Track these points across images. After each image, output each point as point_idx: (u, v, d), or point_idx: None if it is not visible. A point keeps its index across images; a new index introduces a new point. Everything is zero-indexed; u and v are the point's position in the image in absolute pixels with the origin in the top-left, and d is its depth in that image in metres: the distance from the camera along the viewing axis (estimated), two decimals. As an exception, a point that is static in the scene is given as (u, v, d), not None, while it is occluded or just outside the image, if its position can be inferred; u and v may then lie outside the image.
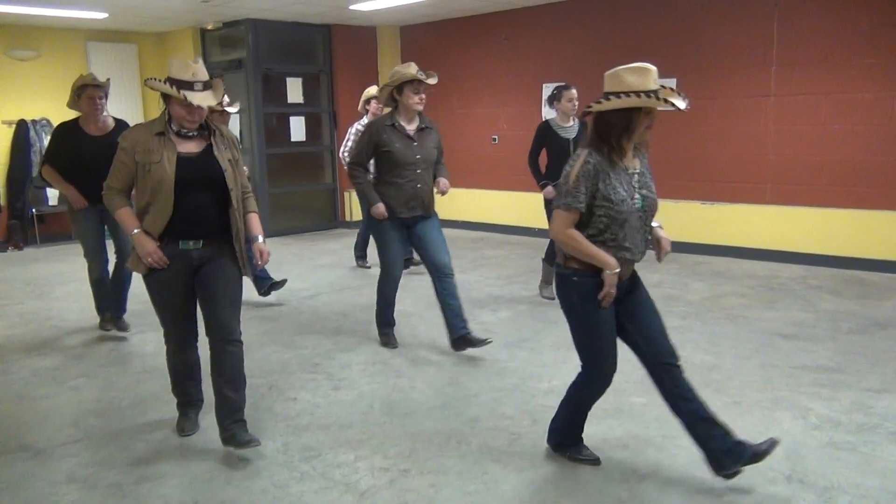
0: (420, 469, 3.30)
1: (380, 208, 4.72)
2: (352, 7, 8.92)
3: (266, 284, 6.25)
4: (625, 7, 8.48)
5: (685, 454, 3.38)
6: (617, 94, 2.88)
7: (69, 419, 3.97)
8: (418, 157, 4.75)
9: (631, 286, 3.13)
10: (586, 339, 3.16)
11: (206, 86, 3.34)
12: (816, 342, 4.96)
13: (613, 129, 2.92)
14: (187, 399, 3.79)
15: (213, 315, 3.46)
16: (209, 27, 10.21)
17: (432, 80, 4.71)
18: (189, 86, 3.28)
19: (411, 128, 4.77)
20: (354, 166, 4.82)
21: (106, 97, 5.13)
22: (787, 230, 7.55)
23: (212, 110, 5.59)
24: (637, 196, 2.98)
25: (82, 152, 5.03)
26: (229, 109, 5.52)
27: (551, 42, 9.14)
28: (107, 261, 5.42)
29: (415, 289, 6.81)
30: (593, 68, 8.84)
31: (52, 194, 9.77)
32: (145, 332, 5.36)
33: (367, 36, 10.75)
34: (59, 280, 7.47)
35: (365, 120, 7.17)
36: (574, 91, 6.01)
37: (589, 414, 3.86)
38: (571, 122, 6.04)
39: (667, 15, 8.16)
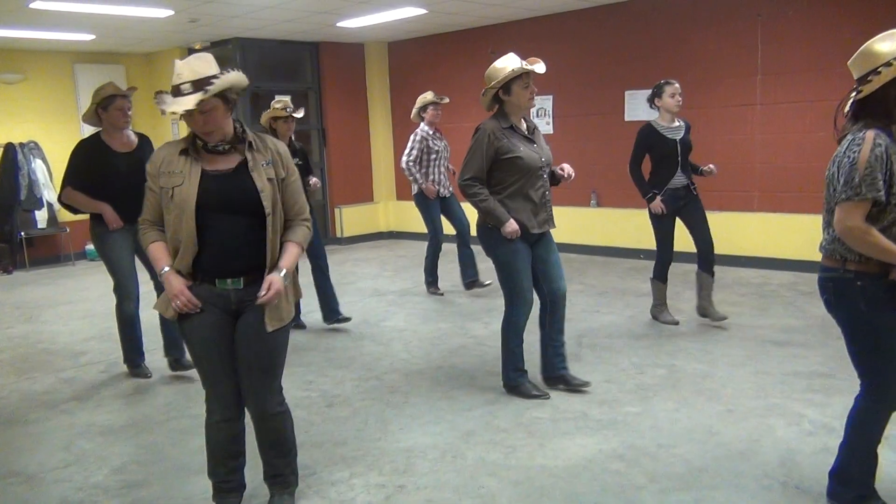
0: (416, 485, 3.29)
1: (512, 225, 4.03)
2: (339, 24, 8.96)
3: (334, 316, 5.99)
4: (611, 20, 8.55)
5: (681, 464, 3.38)
6: (875, 71, 2.57)
7: (61, 443, 3.93)
8: (543, 160, 4.14)
9: None
10: (875, 353, 2.75)
11: (198, 86, 2.60)
12: (808, 348, 4.98)
13: (893, 103, 2.59)
14: (226, 485, 3.04)
15: (243, 381, 2.87)
16: (197, 47, 10.23)
17: (539, 69, 4.10)
18: (174, 90, 2.65)
19: (524, 129, 4.17)
20: (472, 182, 4.07)
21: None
22: (776, 237, 7.59)
23: (276, 117, 5.65)
24: None
25: (112, 170, 4.60)
26: (296, 115, 5.51)
27: (538, 55, 9.12)
28: (138, 294, 4.84)
29: (405, 304, 6.82)
30: (580, 81, 8.97)
31: (41, 217, 9.74)
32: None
33: (354, 52, 10.80)
34: (48, 303, 7.43)
35: (425, 127, 6.87)
36: (677, 84, 5.47)
37: (583, 425, 3.87)
38: (677, 122, 5.48)
39: (652, 27, 8.23)
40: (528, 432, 3.80)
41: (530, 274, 4.21)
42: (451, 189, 6.97)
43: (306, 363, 5.13)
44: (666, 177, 5.46)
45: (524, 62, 4.04)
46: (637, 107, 8.30)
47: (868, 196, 2.56)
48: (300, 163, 5.72)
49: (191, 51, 10.39)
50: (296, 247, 2.80)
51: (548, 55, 9.09)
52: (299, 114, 5.78)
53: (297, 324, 6.05)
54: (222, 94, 2.68)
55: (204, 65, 2.66)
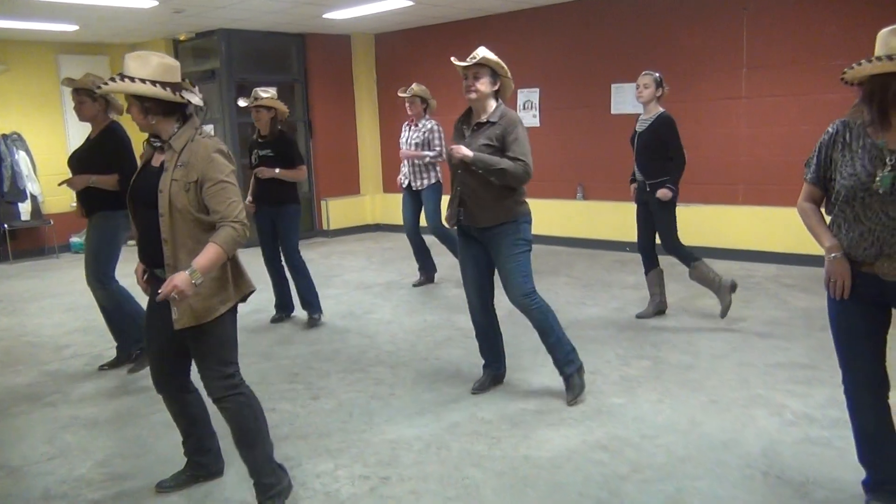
0: (400, 476, 3.30)
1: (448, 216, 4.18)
2: (325, 16, 8.92)
3: (316, 304, 5.97)
4: (597, 13, 8.56)
5: (664, 454, 3.41)
6: (870, 59, 2.53)
7: (44, 436, 3.92)
8: None
9: None
10: (835, 339, 2.82)
11: (121, 80, 2.80)
12: (791, 340, 5.02)
13: (870, 97, 2.60)
14: (189, 456, 3.29)
15: (198, 369, 3.00)
16: (182, 38, 10.16)
17: (457, 61, 4.06)
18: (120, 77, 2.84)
19: (474, 123, 4.10)
20: None
21: None
22: (760, 230, 7.65)
23: (247, 109, 5.68)
24: (883, 175, 2.55)
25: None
26: (239, 104, 5.49)
27: (525, 48, 9.19)
28: None
29: (391, 296, 6.82)
30: (567, 74, 8.98)
31: (25, 209, 9.66)
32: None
33: (341, 44, 10.76)
34: (32, 296, 7.38)
35: (431, 119, 6.89)
36: (643, 77, 5.43)
37: (567, 416, 3.90)
38: (650, 115, 5.42)
39: (639, 21, 8.25)
40: (513, 424, 3.82)
41: (467, 266, 4.22)
42: (421, 182, 6.96)
43: (291, 356, 5.13)
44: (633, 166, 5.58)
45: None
46: (623, 100, 8.31)
47: (807, 178, 2.78)
48: (271, 154, 5.69)
49: (176, 42, 10.32)
50: (214, 247, 2.77)
51: (535, 48, 9.18)
52: (240, 102, 5.88)
53: (281, 317, 6.04)
54: (136, 97, 2.81)
55: (138, 64, 2.80)
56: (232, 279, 2.95)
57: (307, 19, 9.22)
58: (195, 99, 2.89)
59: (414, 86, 6.87)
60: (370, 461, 3.45)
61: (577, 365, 4.17)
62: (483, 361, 4.40)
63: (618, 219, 8.27)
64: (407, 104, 6.93)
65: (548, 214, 9.13)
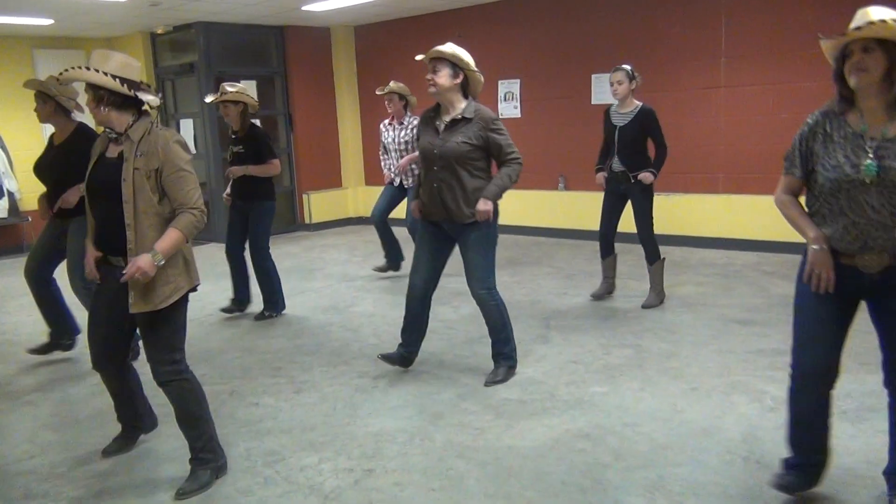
0: (384, 468, 3.31)
1: (415, 204, 4.33)
2: (304, 8, 8.86)
3: (274, 303, 5.95)
4: (577, 3, 8.57)
5: (646, 441, 3.44)
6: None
7: (24, 435, 3.88)
8: (435, 152, 4.10)
9: (885, 286, 2.63)
10: (794, 321, 2.83)
11: (83, 67, 3.04)
12: (771, 327, 5.07)
13: (836, 75, 2.58)
14: (124, 423, 3.60)
15: (146, 354, 3.20)
16: (159, 31, 10.06)
17: (419, 56, 4.21)
18: None
19: (447, 118, 4.16)
20: None
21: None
22: (740, 218, 7.70)
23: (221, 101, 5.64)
24: (866, 164, 2.52)
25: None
26: (206, 100, 5.49)
27: (506, 39, 9.19)
28: None
29: (374, 289, 6.81)
30: (547, 64, 8.98)
31: (2, 206, 9.53)
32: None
33: (320, 36, 10.69)
34: (10, 294, 7.29)
35: (415, 116, 6.67)
36: (615, 73, 5.49)
37: (551, 406, 3.92)
38: (630, 109, 5.53)
39: (618, 11, 8.26)
40: (497, 414, 3.83)
41: (423, 255, 4.31)
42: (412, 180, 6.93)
43: (274, 350, 5.11)
44: (607, 157, 5.68)
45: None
46: (604, 90, 8.32)
47: (787, 172, 2.74)
48: (242, 150, 5.65)
49: (153, 35, 10.22)
50: (175, 231, 2.99)
51: (515, 39, 9.17)
52: (207, 98, 5.89)
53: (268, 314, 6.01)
54: (92, 86, 3.01)
55: (100, 59, 3.05)
56: (185, 268, 3.13)
57: (286, 11, 9.15)
58: (148, 97, 3.08)
59: (392, 83, 6.83)
60: (354, 454, 3.46)
61: (513, 362, 4.38)
62: (401, 342, 4.50)
63: (599, 209, 8.28)
64: (386, 102, 6.90)
65: (529, 205, 9.16)
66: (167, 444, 3.63)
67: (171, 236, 2.98)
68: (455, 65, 4.03)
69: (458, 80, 4.06)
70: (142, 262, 2.90)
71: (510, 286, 6.65)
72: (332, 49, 10.87)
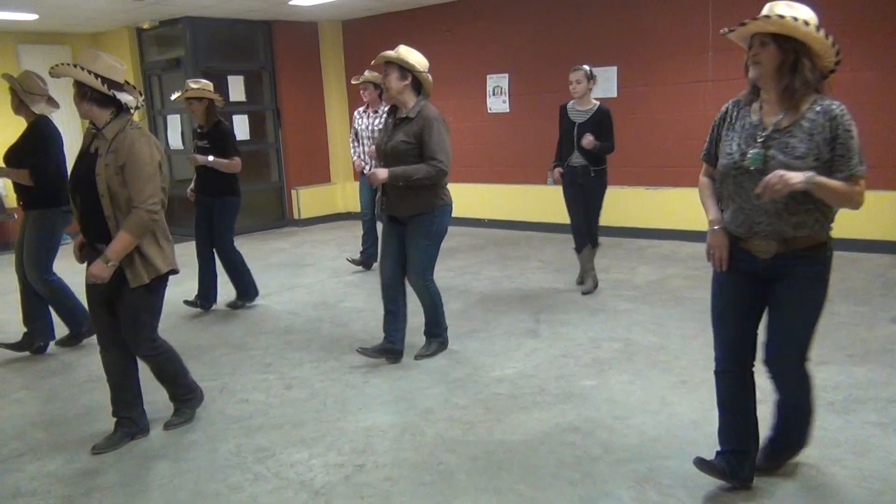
0: (375, 463, 3.31)
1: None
2: (291, 2, 8.82)
3: (245, 293, 6.08)
4: (564, -3, 8.57)
5: (635, 434, 3.46)
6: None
7: (13, 433, 3.86)
8: (382, 147, 4.42)
9: (776, 272, 2.72)
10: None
11: (74, 64, 3.34)
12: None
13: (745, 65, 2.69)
14: (119, 415, 3.66)
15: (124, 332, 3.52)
16: (145, 26, 9.99)
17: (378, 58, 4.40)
18: None
19: (401, 114, 4.39)
20: None
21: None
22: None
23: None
24: (752, 153, 2.63)
25: None
26: (172, 97, 5.55)
27: (494, 34, 9.18)
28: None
29: (364, 284, 6.81)
30: (535, 59, 8.98)
31: (-12, 203, 9.47)
32: (90, 341, 5.23)
33: (308, 32, 10.65)
34: (-3, 291, 7.25)
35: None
36: (575, 73, 5.75)
37: (541, 399, 3.94)
38: (588, 107, 5.80)
39: (606, 5, 8.27)
40: (487, 408, 3.84)
41: (387, 245, 4.54)
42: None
43: (264, 346, 5.10)
44: (565, 153, 5.91)
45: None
46: (592, 84, 8.35)
47: (702, 156, 2.94)
48: (207, 146, 5.74)
49: (139, 31, 10.15)
50: (123, 234, 3.27)
51: (503, 33, 9.17)
52: (172, 96, 5.95)
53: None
54: (77, 82, 3.30)
55: (88, 59, 3.34)
56: (160, 255, 3.42)
57: (273, 6, 9.11)
58: (126, 98, 3.36)
59: (367, 73, 6.90)
60: (345, 449, 3.46)
61: (443, 340, 4.75)
62: (384, 334, 4.63)
63: (588, 203, 8.32)
64: (361, 90, 6.96)
65: (518, 199, 9.17)
66: (157, 442, 3.62)
67: (120, 238, 3.27)
68: (403, 67, 4.24)
69: (407, 82, 4.27)
70: (94, 269, 3.29)
71: (499, 280, 6.67)
72: (319, 44, 10.83)
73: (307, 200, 10.84)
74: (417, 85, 4.31)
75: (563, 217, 8.90)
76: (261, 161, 10.85)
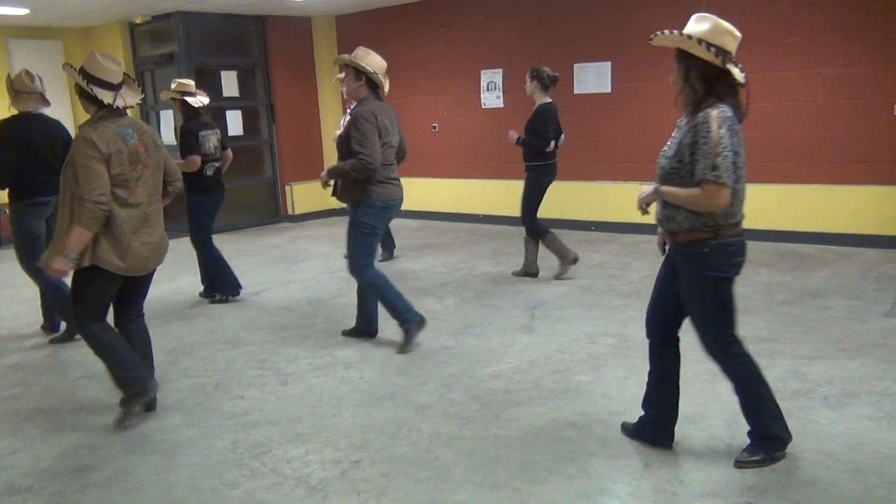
0: (371, 459, 3.31)
1: None
2: (285, -3, 8.79)
3: (218, 287, 6.18)
4: (558, -8, 8.57)
5: (630, 429, 3.47)
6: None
7: (7, 429, 3.85)
8: (333, 139, 4.94)
9: (676, 261, 3.10)
10: None
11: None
12: (752, 314, 5.12)
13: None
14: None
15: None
16: (137, 21, 9.93)
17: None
18: None
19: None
20: None
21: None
22: (722, 207, 7.75)
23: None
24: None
25: None
26: (100, 93, 5.78)
27: (488, 29, 9.17)
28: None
29: (360, 280, 6.80)
30: (529, 54, 8.97)
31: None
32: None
33: (302, 26, 10.62)
34: (-10, 287, 7.22)
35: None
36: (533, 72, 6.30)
37: (536, 395, 3.94)
38: (535, 104, 6.37)
39: (599, 1, 8.26)
40: (483, 404, 3.85)
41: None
42: None
43: (259, 342, 5.10)
44: None
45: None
46: (586, 80, 8.36)
47: None
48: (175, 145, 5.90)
49: (131, 25, 10.10)
50: (74, 227, 3.41)
51: (497, 29, 9.16)
52: (162, 95, 6.21)
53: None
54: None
55: (87, 58, 3.57)
56: (111, 249, 3.50)
57: (267, 1, 9.07)
58: (101, 94, 3.48)
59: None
60: (341, 445, 3.46)
61: (408, 325, 4.75)
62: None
63: (583, 198, 8.34)
64: (341, 87, 6.98)
65: (514, 195, 9.15)
66: (152, 438, 3.61)
67: (73, 232, 3.42)
68: (357, 69, 4.53)
69: (361, 82, 4.57)
70: (54, 265, 3.49)
71: (494, 276, 6.67)
72: (313, 39, 10.80)
73: (301, 196, 10.82)
74: (373, 84, 4.59)
75: (558, 213, 8.96)
76: (254, 156, 10.81)
